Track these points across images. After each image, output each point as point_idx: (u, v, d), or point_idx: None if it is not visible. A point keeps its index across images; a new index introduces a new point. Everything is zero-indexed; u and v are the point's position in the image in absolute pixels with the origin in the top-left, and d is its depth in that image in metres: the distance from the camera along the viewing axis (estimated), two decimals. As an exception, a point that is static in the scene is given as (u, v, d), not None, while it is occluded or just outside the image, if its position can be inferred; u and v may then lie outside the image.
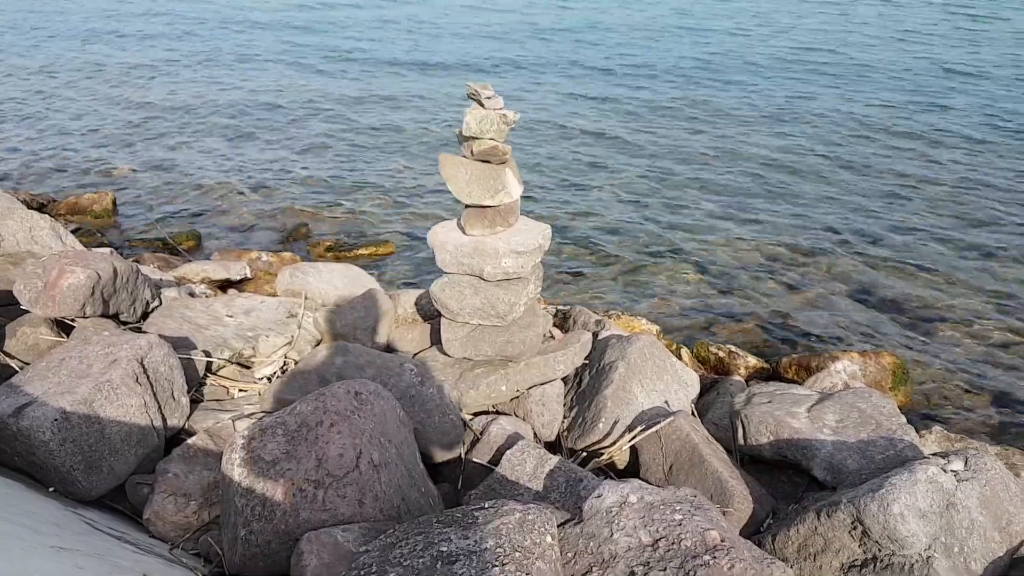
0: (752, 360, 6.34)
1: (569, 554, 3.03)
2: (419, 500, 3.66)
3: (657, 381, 4.87)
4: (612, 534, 3.02)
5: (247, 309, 5.72)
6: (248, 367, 5.27)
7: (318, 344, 5.68)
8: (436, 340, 5.43)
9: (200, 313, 5.53)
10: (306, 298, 6.08)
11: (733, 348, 6.43)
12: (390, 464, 3.56)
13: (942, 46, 20.09)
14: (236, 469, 3.39)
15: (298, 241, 9.45)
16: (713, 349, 6.42)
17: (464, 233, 4.68)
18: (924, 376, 6.76)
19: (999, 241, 9.37)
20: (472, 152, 4.52)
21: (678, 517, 3.00)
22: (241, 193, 11.03)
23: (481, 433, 4.39)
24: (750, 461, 4.38)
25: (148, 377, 4.16)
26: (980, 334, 7.53)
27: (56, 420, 3.73)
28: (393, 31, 23.76)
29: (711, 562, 2.76)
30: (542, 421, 4.62)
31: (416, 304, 5.99)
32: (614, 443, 4.43)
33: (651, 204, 10.51)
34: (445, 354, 4.94)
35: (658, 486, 4.12)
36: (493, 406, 4.79)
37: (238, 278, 7.58)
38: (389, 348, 5.58)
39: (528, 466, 3.90)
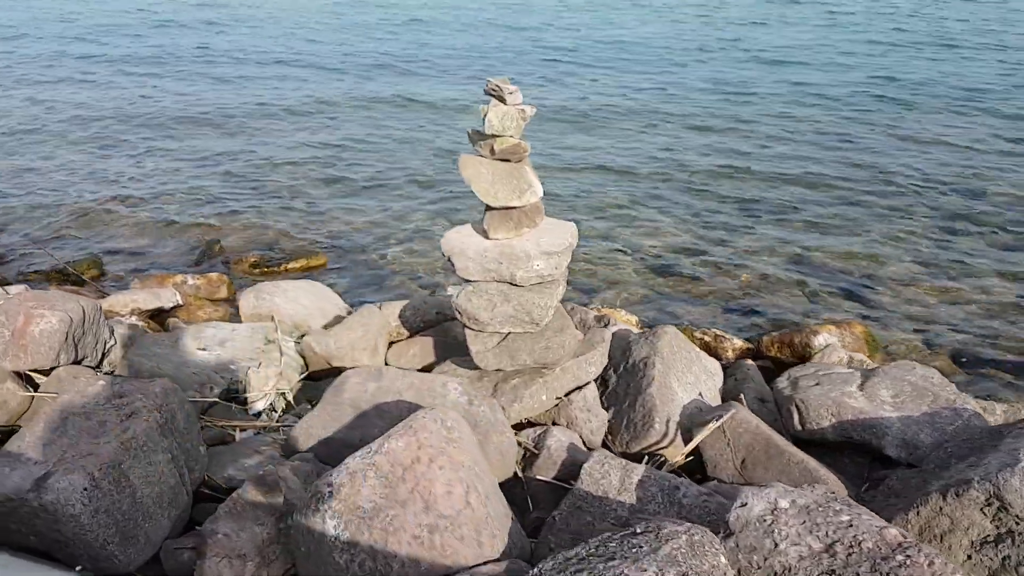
0: (738, 342, 6.31)
1: (733, 571, 2.82)
2: (514, 530, 3.35)
3: (688, 374, 4.73)
4: (777, 544, 2.83)
5: (220, 340, 5.18)
6: (242, 403, 4.77)
7: (304, 370, 5.22)
8: (443, 354, 5.09)
9: (171, 349, 4.96)
10: (277, 321, 5.58)
11: (718, 332, 6.39)
12: (491, 495, 3.24)
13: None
14: (329, 523, 2.99)
15: (214, 259, 8.74)
16: (698, 334, 6.35)
17: (487, 237, 4.37)
18: (886, 340, 6.95)
19: (915, 203, 9.83)
20: (493, 151, 4.23)
21: (845, 518, 2.84)
22: (128, 211, 10.10)
23: (536, 448, 4.10)
24: (807, 446, 4.30)
25: (170, 427, 3.64)
26: (918, 295, 7.84)
27: (86, 489, 3.20)
28: (274, 29, 22.69)
29: (907, 561, 2.62)
30: (590, 428, 4.38)
31: (400, 317, 5.60)
32: (671, 443, 4.25)
33: (578, 205, 10.41)
34: (471, 367, 4.62)
35: (733, 482, 3.99)
36: (526, 418, 4.51)
37: (171, 306, 6.89)
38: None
39: (614, 478, 3.66)
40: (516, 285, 4.33)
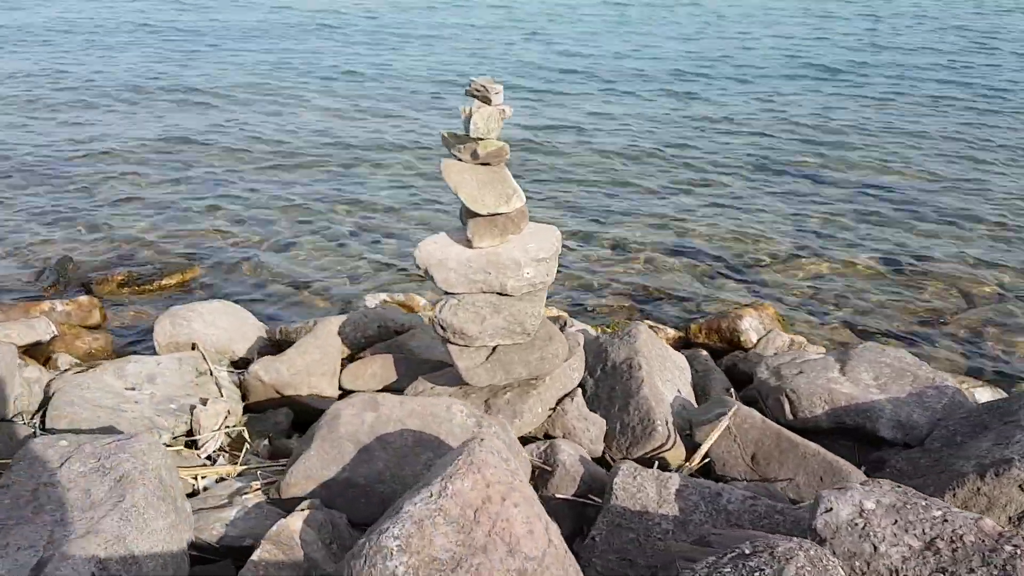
0: (671, 332, 6.36)
1: (843, 581, 2.76)
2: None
3: (665, 371, 4.67)
4: (876, 548, 2.80)
5: (148, 376, 4.61)
6: (191, 446, 4.25)
7: (244, 401, 4.74)
8: (406, 372, 4.76)
9: (97, 392, 4.34)
10: (202, 349, 5.04)
11: (651, 323, 6.39)
12: (555, 527, 3.01)
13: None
14: (403, 581, 2.66)
15: (70, 281, 7.79)
16: (630, 326, 6.34)
17: (470, 246, 4.10)
18: (790, 320, 7.24)
19: (796, 183, 10.34)
20: (477, 155, 3.96)
21: (937, 513, 2.85)
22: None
23: (547, 464, 3.89)
24: (798, 434, 4.35)
25: (165, 489, 3.15)
26: (800, 273, 8.23)
27: (94, 574, 2.69)
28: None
29: (1018, 552, 2.65)
30: (589, 437, 4.22)
31: (340, 334, 5.20)
32: (673, 445, 4.17)
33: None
34: (448, 384, 4.34)
35: (747, 479, 3.97)
36: (525, 433, 4.28)
37: (48, 337, 6.07)
38: (345, 392, 4.79)
39: (650, 491, 3.52)
40: (505, 295, 4.09)
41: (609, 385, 4.55)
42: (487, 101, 3.88)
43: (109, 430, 4.00)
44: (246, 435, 4.35)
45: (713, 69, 16.41)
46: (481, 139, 3.95)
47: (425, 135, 12.24)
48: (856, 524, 2.87)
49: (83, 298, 6.93)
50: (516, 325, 4.09)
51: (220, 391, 4.65)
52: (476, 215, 4.05)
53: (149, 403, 4.36)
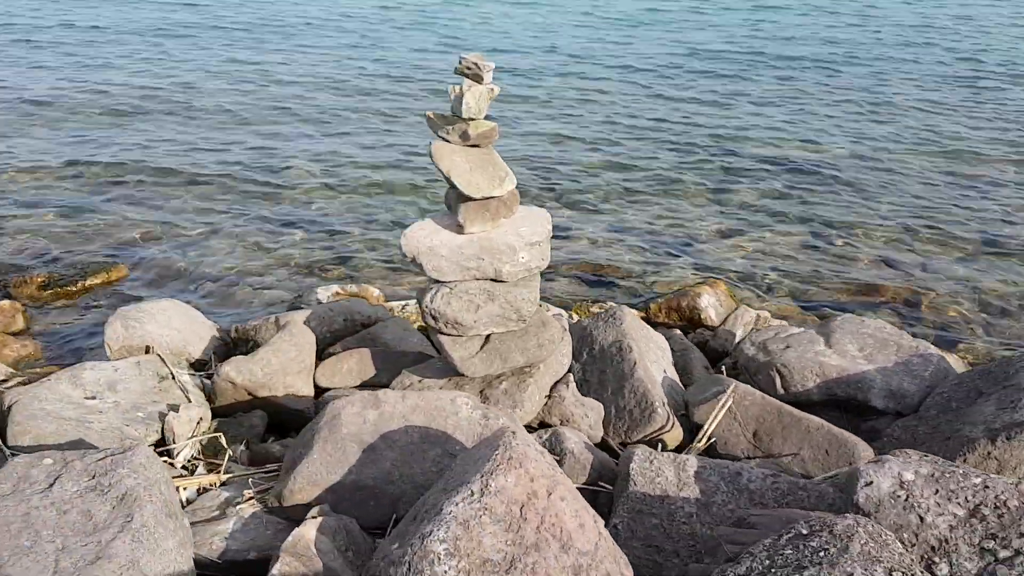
0: (635, 312, 6.32)
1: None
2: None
3: (650, 352, 4.62)
4: (923, 518, 2.80)
5: (108, 383, 4.28)
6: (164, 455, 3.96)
7: (211, 404, 4.46)
8: (384, 366, 4.56)
9: (57, 404, 4.00)
10: (160, 352, 4.71)
11: (612, 304, 6.34)
12: (600, 519, 2.91)
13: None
14: (456, 586, 2.51)
15: (-18, 284, 7.22)
16: (594, 309, 6.27)
17: (461, 231, 3.93)
18: (738, 296, 7.32)
19: (722, 163, 10.46)
20: (468, 136, 3.80)
21: (977, 480, 2.87)
22: None
23: (553, 453, 3.78)
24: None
25: (171, 505, 2.90)
26: (734, 248, 8.34)
27: (113, 608, 2.44)
28: None
29: (1065, 513, 2.69)
30: (588, 423, 4.13)
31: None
32: (672, 427, 4.12)
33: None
34: (435, 376, 4.17)
35: (749, 456, 3.96)
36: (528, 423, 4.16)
37: (-26, 346, 5.59)
38: (319, 390, 4.56)
39: (669, 475, 3.46)
40: (499, 281, 3.95)
41: (599, 369, 4.47)
42: (478, 79, 3.72)
43: (79, 444, 3.67)
44: (223, 441, 4.07)
45: (639, 60, 16.53)
46: (472, 119, 3.79)
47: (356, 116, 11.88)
48: (899, 496, 2.87)
49: (4, 303, 6.42)
50: (512, 312, 3.96)
51: (187, 396, 4.35)
52: (468, 199, 3.88)
53: (115, 412, 4.04)
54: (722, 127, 11.98)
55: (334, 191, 9.40)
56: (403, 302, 6.00)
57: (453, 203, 3.99)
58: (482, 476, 2.74)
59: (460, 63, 3.72)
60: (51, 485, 2.82)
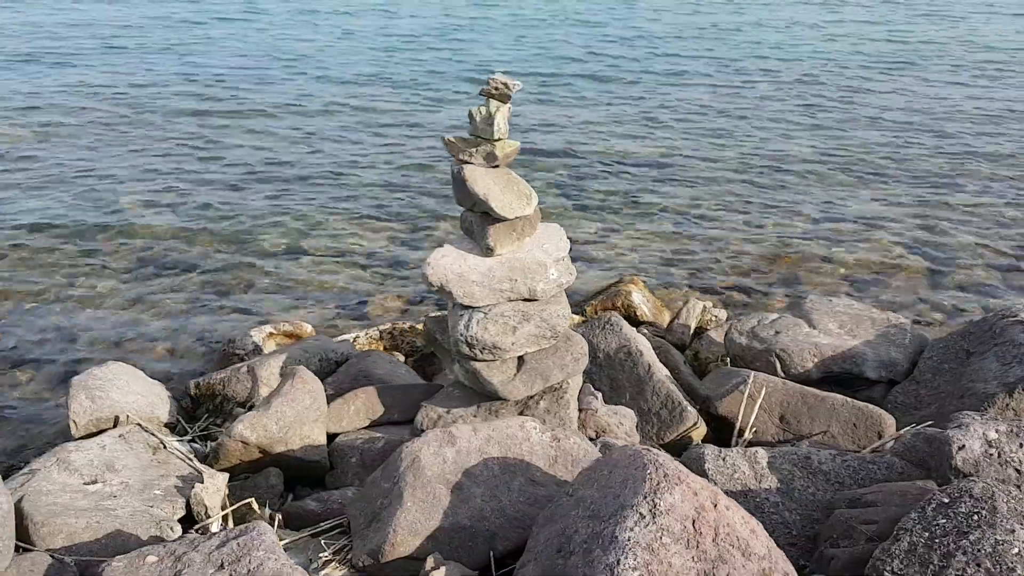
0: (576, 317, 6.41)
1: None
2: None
3: (650, 353, 4.72)
4: (1019, 470, 3.08)
5: (104, 464, 3.84)
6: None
7: (212, 467, 4.10)
8: (389, 402, 4.36)
9: (63, 496, 3.53)
10: (134, 421, 4.27)
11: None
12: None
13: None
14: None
15: None
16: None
17: (490, 253, 3.85)
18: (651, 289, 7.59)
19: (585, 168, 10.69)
20: (495, 157, 3.75)
21: (1046, 428, 3.18)
22: None
23: (613, 466, 3.78)
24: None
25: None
26: (618, 246, 8.62)
27: None
28: None
29: None
30: (624, 430, 4.16)
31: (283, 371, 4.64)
32: (698, 422, 4.24)
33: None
34: (460, 405, 4.06)
35: (780, 441, 4.17)
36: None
37: None
38: (331, 436, 4.30)
39: (744, 468, 3.57)
40: (532, 300, 3.90)
41: (608, 376, 4.52)
42: (505, 99, 3.66)
43: (118, 536, 3.25)
44: (255, 507, 3.74)
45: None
46: (498, 140, 3.72)
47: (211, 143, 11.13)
48: (991, 454, 3.14)
49: None
50: (547, 329, 3.92)
51: (190, 464, 3.96)
52: (496, 221, 3.80)
53: (129, 495, 3.59)
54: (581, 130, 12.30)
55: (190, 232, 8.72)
56: (353, 335, 5.73)
57: (476, 226, 3.90)
58: (645, 497, 2.72)
59: (488, 84, 3.63)
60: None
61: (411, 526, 3.18)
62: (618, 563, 2.55)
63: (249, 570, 2.54)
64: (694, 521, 2.69)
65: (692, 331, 5.76)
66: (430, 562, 3.07)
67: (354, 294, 7.35)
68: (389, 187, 9.90)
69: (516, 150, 3.80)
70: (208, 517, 3.61)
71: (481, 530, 3.28)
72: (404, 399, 4.39)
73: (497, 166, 3.81)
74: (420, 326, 5.85)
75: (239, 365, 4.85)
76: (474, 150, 3.75)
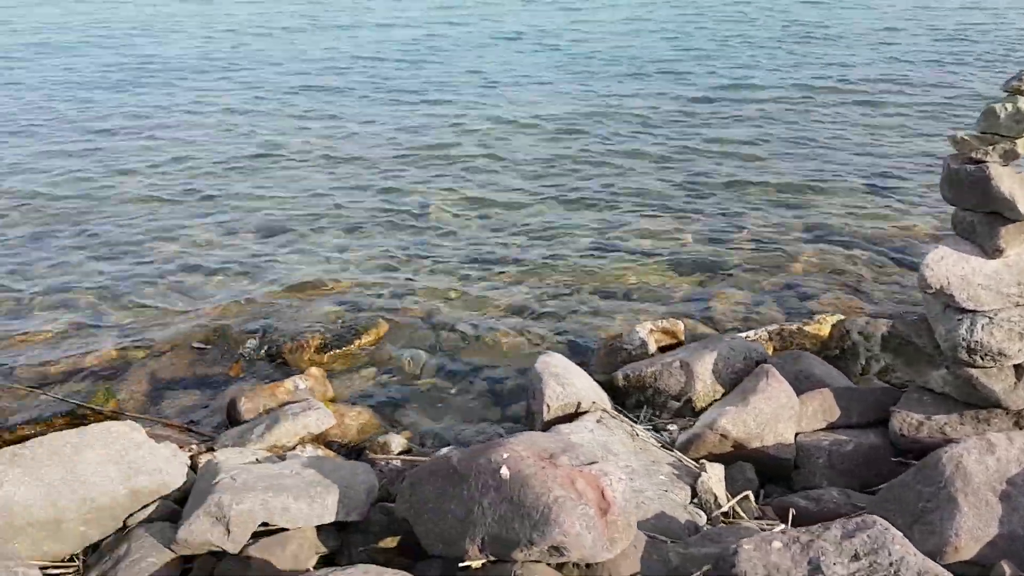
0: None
1: None
2: None
3: None
4: None
5: (602, 447, 4.12)
6: None
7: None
8: (853, 406, 4.36)
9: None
10: (605, 409, 4.51)
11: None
12: None
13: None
14: None
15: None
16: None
17: (999, 255, 3.79)
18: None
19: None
20: (1016, 155, 3.68)
21: None
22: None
23: None
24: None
25: None
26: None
27: None
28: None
29: None
30: None
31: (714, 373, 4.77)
32: None
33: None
34: (991, 406, 3.95)
35: None
36: None
37: (328, 424, 5.36)
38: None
39: None
40: (1039, 301, 3.79)
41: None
42: (1025, 94, 3.57)
43: (662, 518, 3.47)
44: (751, 499, 3.88)
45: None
46: (1020, 137, 3.64)
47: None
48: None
49: (313, 370, 6.18)
50: (1049, 338, 3.79)
51: (674, 453, 4.17)
52: (1009, 221, 3.73)
53: (639, 478, 3.83)
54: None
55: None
56: (749, 331, 5.79)
57: (981, 226, 3.83)
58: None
59: (1020, 79, 3.56)
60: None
61: (971, 532, 3.18)
62: None
63: (889, 561, 2.61)
64: None
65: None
66: (1006, 567, 3.04)
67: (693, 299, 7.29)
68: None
69: (1036, 146, 3.71)
70: (718, 507, 3.77)
71: (1022, 539, 3.22)
72: (860, 402, 4.39)
73: (1007, 163, 3.73)
74: (810, 327, 5.83)
75: (668, 359, 5.02)
76: (990, 148, 3.68)
